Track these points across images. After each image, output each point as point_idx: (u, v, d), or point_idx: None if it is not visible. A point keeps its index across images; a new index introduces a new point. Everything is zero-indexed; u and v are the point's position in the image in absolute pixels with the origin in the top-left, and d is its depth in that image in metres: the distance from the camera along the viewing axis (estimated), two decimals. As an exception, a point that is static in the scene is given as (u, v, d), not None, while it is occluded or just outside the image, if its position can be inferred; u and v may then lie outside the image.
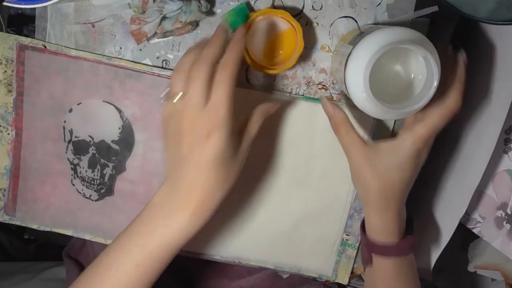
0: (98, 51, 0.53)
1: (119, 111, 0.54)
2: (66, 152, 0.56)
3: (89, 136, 0.55)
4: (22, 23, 0.53)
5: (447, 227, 0.57)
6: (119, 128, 0.55)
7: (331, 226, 0.60)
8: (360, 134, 0.49)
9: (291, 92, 0.55)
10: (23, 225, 0.59)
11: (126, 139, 0.55)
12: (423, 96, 0.43)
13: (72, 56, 0.53)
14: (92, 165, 0.56)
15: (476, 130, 0.56)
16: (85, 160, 0.56)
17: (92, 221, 0.59)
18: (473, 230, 0.62)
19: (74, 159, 0.56)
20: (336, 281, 0.62)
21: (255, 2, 0.52)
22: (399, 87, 0.48)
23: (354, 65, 0.44)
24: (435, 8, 0.52)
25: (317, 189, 0.58)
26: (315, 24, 0.53)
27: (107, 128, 0.55)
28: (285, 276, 0.67)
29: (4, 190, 0.58)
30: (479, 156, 0.54)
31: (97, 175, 0.57)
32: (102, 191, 0.57)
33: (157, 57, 0.54)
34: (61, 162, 0.57)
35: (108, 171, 0.57)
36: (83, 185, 0.57)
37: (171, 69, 0.54)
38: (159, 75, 0.53)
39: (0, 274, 0.78)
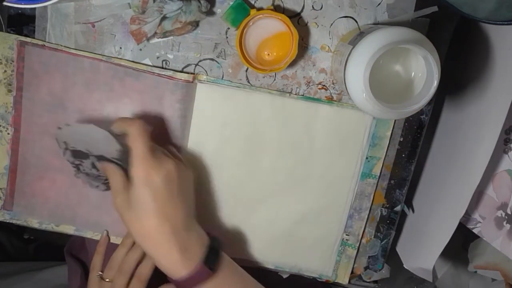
0: (98, 51, 0.53)
1: (115, 136, 0.50)
2: (64, 155, 0.53)
3: (86, 149, 0.51)
4: (22, 23, 0.53)
5: (447, 227, 0.57)
6: (117, 150, 0.50)
7: (331, 226, 0.60)
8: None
9: (291, 92, 0.55)
10: (24, 223, 0.59)
11: (126, 158, 0.49)
12: (423, 96, 0.43)
13: (72, 53, 0.53)
14: (94, 165, 0.54)
15: (476, 130, 0.56)
16: (87, 163, 0.53)
17: (91, 216, 0.59)
18: (473, 230, 0.62)
19: (74, 161, 0.54)
20: (336, 281, 0.62)
21: (255, 1, 0.52)
22: (399, 87, 0.48)
23: (354, 65, 0.44)
24: (435, 8, 0.52)
25: (317, 189, 0.58)
26: (315, 24, 0.53)
27: (104, 148, 0.51)
28: (285, 276, 0.67)
29: (4, 189, 0.58)
30: (479, 156, 0.54)
31: (102, 172, 0.53)
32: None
33: (157, 57, 0.54)
34: (60, 158, 0.57)
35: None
36: (87, 180, 0.56)
37: (171, 69, 0.54)
38: (159, 75, 0.53)
39: (0, 274, 0.78)
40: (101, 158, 0.51)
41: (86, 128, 0.50)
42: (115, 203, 0.49)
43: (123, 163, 0.50)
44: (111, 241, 0.60)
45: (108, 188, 0.56)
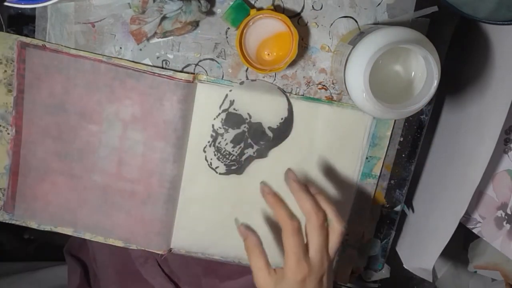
0: (98, 51, 0.53)
1: (289, 104, 0.54)
2: (215, 119, 0.55)
3: (248, 113, 0.55)
4: (22, 23, 0.53)
5: (447, 227, 0.57)
6: (281, 119, 0.55)
7: (331, 226, 0.60)
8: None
9: (291, 92, 0.55)
10: (23, 224, 0.59)
11: (283, 130, 0.55)
12: (423, 96, 0.43)
13: (73, 55, 0.53)
14: (236, 141, 0.56)
15: (476, 130, 0.56)
16: (231, 134, 0.55)
17: (92, 219, 0.59)
18: (473, 230, 0.62)
19: (219, 128, 0.55)
20: (336, 281, 0.62)
21: (255, 1, 0.52)
22: (399, 87, 0.48)
23: (354, 65, 0.44)
24: (435, 8, 0.52)
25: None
26: (315, 24, 0.53)
27: (269, 114, 0.55)
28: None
29: (4, 190, 0.58)
30: (479, 156, 0.54)
31: (236, 152, 0.56)
32: (233, 167, 0.57)
33: (157, 57, 0.54)
34: (61, 160, 0.57)
35: (249, 152, 0.56)
36: (215, 155, 0.56)
37: (171, 69, 0.54)
38: (159, 75, 0.53)
39: (0, 274, 0.78)
40: (257, 128, 0.54)
41: (270, 86, 0.53)
42: (259, 281, 0.48)
43: (276, 134, 0.54)
44: (111, 243, 0.60)
45: (226, 172, 0.57)
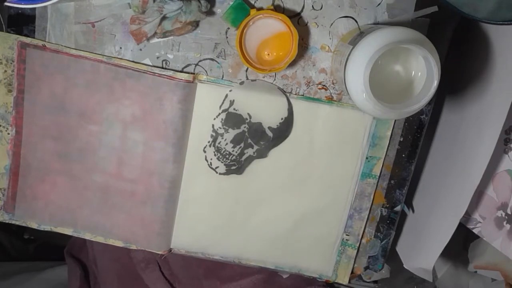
0: (98, 51, 0.54)
1: (289, 104, 0.54)
2: (215, 119, 0.55)
3: (248, 113, 0.55)
4: (22, 23, 0.53)
5: (447, 227, 0.57)
6: (281, 119, 0.55)
7: (331, 226, 0.60)
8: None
9: (291, 92, 0.55)
10: (23, 224, 0.59)
11: (283, 130, 0.55)
12: (423, 96, 0.43)
13: (73, 55, 0.53)
14: (236, 141, 0.56)
15: (476, 130, 0.56)
16: (231, 134, 0.55)
17: (92, 219, 0.59)
18: (473, 230, 0.62)
19: (219, 128, 0.55)
20: (336, 281, 0.63)
21: (255, 1, 0.52)
22: (399, 87, 0.48)
23: (354, 65, 0.44)
24: (435, 8, 0.52)
25: (317, 189, 0.58)
26: (315, 24, 0.53)
27: (269, 114, 0.55)
28: (285, 276, 0.67)
29: (4, 190, 0.58)
30: (479, 156, 0.54)
31: (236, 152, 0.56)
32: (233, 167, 0.57)
33: (157, 57, 0.54)
34: (61, 160, 0.57)
35: (250, 152, 0.56)
36: (215, 155, 0.56)
37: (171, 69, 0.54)
38: (159, 75, 0.53)
39: (0, 274, 0.78)
40: (257, 128, 0.54)
41: (270, 86, 0.53)
42: None
43: (276, 134, 0.54)
44: (111, 243, 0.60)
45: (226, 172, 0.57)
